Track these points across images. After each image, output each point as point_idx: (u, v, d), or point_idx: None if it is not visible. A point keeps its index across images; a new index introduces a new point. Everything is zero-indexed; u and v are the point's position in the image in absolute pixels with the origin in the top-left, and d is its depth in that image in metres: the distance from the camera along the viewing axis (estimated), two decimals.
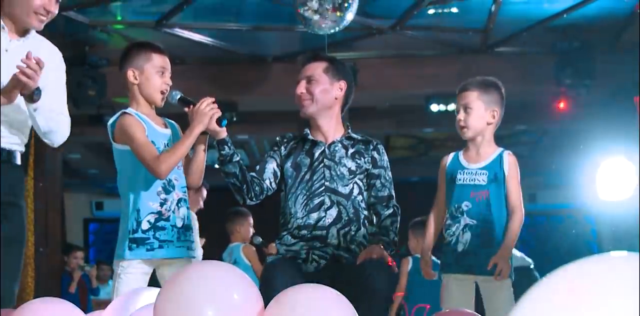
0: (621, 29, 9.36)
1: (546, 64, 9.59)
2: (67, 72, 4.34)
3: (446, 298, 4.35)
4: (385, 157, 4.31)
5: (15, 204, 4.03)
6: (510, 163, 4.33)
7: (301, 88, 4.25)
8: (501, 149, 4.39)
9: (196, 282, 2.54)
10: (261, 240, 7.48)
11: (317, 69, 4.28)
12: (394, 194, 4.31)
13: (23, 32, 4.00)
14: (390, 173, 4.33)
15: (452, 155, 4.50)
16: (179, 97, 4.05)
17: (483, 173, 4.34)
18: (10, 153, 4.00)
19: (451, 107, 10.23)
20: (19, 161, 4.06)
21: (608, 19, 9.21)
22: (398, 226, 4.26)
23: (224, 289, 2.51)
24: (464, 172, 4.39)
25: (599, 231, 10.51)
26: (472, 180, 4.35)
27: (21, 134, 4.05)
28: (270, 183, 4.23)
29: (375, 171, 4.24)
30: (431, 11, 9.13)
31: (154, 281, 3.98)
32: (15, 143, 4.03)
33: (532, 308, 1.11)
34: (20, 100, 3.84)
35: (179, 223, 3.99)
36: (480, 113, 4.38)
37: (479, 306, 4.40)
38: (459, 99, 4.45)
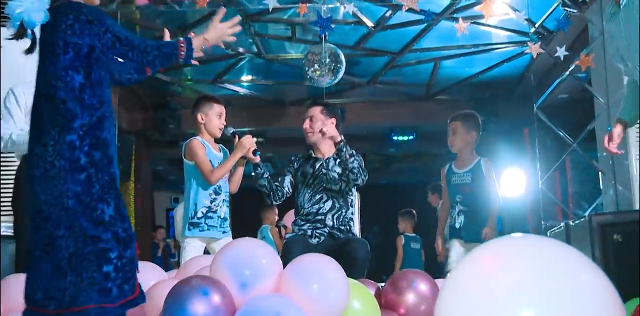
0: (515, 85, 9.38)
1: (468, 107, 9.56)
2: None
3: (452, 255, 4.33)
4: (359, 159, 4.29)
5: None
6: (486, 166, 4.37)
7: (306, 124, 4.30)
8: (479, 157, 4.42)
9: (239, 251, 2.53)
10: (284, 223, 7.47)
11: (316, 110, 4.32)
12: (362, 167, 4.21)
13: None
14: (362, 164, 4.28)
15: (447, 165, 4.55)
16: (231, 131, 4.11)
17: (468, 175, 4.37)
18: None
19: (405, 137, 10.29)
20: None
21: (507, 78, 9.23)
22: (356, 166, 4.12)
23: (257, 256, 2.50)
24: (455, 175, 4.40)
25: (502, 217, 10.50)
26: (461, 180, 4.38)
27: None
28: (288, 189, 4.28)
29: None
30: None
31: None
32: None
33: (462, 276, 1.09)
34: None
35: (222, 215, 4.07)
36: (462, 136, 4.40)
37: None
38: (449, 127, 4.49)
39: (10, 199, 4.89)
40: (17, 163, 4.54)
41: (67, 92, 2.21)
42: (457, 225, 4.31)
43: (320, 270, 2.49)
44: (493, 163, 4.57)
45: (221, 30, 2.52)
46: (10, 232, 4.47)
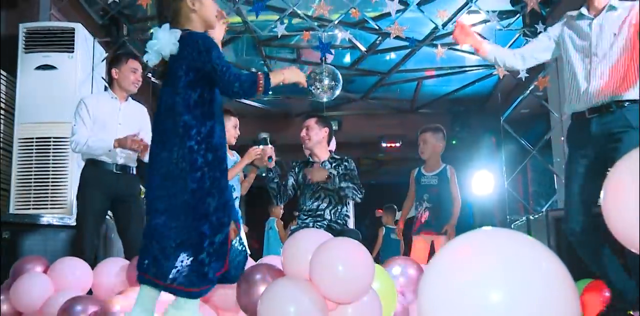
0: (485, 101, 9.39)
1: (446, 119, 9.59)
2: None
3: (414, 249, 4.34)
4: (352, 166, 4.25)
5: (136, 196, 3.95)
6: (451, 172, 4.34)
7: (303, 133, 4.26)
8: (445, 164, 4.40)
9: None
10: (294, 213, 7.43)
11: (311, 121, 4.28)
12: (356, 184, 4.18)
13: (126, 99, 3.98)
14: (355, 174, 4.24)
15: (417, 168, 4.50)
16: (262, 137, 4.13)
17: (435, 178, 4.34)
18: (128, 167, 3.91)
19: (392, 144, 10.27)
20: (134, 172, 3.98)
21: (478, 95, 9.24)
22: (349, 191, 4.09)
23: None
24: (424, 177, 4.38)
25: (474, 212, 10.48)
26: (429, 182, 4.35)
27: (134, 155, 3.94)
28: (291, 192, 4.23)
29: (347, 172, 4.18)
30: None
31: None
32: (132, 162, 3.95)
33: (442, 262, 1.09)
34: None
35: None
36: (432, 145, 4.38)
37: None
38: (420, 137, 4.47)
39: (59, 195, 4.94)
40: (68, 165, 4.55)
41: (184, 107, 2.31)
42: (423, 220, 4.31)
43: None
44: (466, 166, 4.57)
45: (298, 74, 2.54)
46: (61, 223, 4.49)
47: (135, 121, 3.92)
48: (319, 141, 4.25)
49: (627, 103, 2.83)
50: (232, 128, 4.12)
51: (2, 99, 5.23)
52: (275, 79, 2.41)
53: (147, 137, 3.85)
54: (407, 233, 4.75)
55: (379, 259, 6.90)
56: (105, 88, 5.65)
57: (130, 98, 4.03)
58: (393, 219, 7.53)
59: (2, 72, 5.25)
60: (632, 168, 1.23)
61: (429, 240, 4.31)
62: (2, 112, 5.25)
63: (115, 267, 3.06)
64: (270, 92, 2.39)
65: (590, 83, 2.91)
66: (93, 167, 3.82)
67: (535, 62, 3.21)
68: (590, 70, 2.92)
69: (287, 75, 2.48)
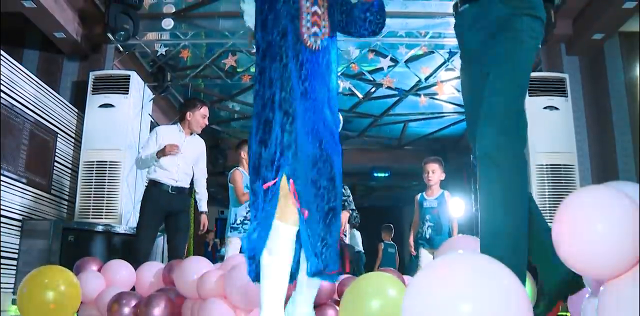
0: (458, 140, 9.41)
1: (426, 155, 9.47)
2: (209, 151, 4.31)
3: (423, 260, 4.22)
4: (348, 192, 4.20)
5: (186, 211, 3.98)
6: (447, 196, 4.30)
7: None
8: (443, 190, 4.36)
9: None
10: None
11: None
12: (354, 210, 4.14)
13: (190, 133, 4.00)
14: (351, 199, 4.18)
15: (420, 194, 4.44)
16: None
17: (435, 201, 4.30)
18: (182, 188, 3.93)
19: (382, 174, 10.24)
20: (187, 191, 4.01)
21: (453, 135, 9.26)
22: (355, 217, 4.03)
23: None
24: (426, 201, 4.34)
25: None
26: (430, 204, 4.31)
27: (189, 179, 3.99)
28: None
29: (345, 198, 4.11)
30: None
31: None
32: (187, 183, 3.99)
33: (423, 278, 1.10)
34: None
35: None
36: (438, 174, 4.36)
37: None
38: (428, 166, 4.38)
39: (112, 207, 4.96)
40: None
41: None
42: (427, 236, 4.25)
43: None
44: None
45: None
46: (112, 230, 4.58)
47: (193, 152, 3.96)
48: None
49: None
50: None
51: (73, 130, 5.38)
52: None
53: (200, 165, 3.95)
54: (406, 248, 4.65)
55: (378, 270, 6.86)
56: (151, 123, 5.76)
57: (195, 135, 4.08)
58: (390, 236, 7.55)
59: (75, 109, 5.41)
60: (582, 201, 1.19)
61: (432, 254, 4.24)
62: (73, 140, 5.38)
63: (153, 269, 3.07)
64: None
65: None
66: (153, 187, 3.83)
67: None
68: None
69: None
